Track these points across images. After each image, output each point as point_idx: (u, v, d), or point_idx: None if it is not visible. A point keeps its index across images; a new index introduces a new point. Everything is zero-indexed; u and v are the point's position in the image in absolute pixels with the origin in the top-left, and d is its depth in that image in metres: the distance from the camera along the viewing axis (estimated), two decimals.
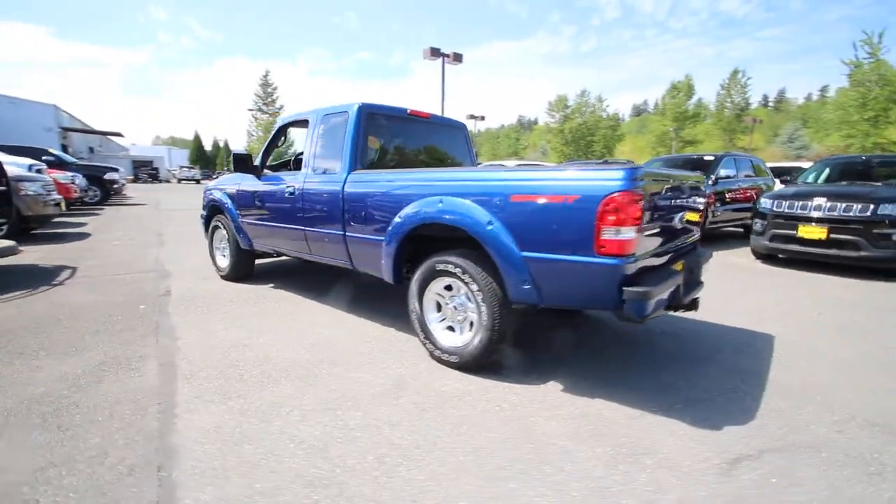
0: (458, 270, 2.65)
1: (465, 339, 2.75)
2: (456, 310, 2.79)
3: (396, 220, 2.92)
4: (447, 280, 2.80)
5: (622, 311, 2.16)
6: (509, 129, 72.56)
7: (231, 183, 4.74)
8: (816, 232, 5.66)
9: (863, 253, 5.35)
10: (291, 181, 3.88)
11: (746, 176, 8.91)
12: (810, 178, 7.20)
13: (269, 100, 53.96)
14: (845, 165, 7.19)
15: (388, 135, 3.70)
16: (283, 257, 5.23)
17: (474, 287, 2.58)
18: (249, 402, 2.39)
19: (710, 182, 7.89)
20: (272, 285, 4.90)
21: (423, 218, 2.74)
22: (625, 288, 2.10)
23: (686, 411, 2.36)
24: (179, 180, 41.65)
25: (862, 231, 5.33)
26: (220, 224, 4.95)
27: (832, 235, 5.55)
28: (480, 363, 2.68)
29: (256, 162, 4.34)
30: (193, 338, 3.31)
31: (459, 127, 4.40)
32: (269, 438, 2.07)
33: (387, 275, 3.12)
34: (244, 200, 4.49)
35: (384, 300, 4.32)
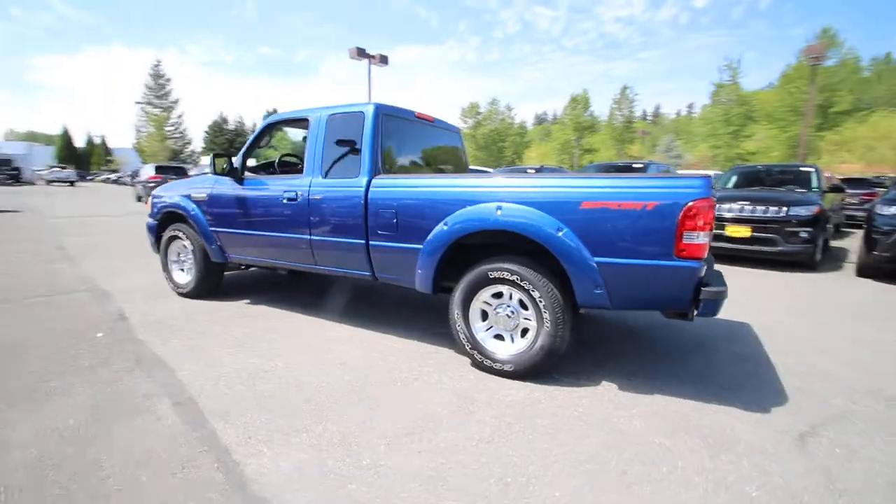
0: (514, 277, 2.62)
1: (519, 346, 2.72)
2: (509, 318, 2.75)
3: (441, 227, 2.80)
4: (498, 288, 2.75)
5: (693, 311, 2.31)
6: None
7: (199, 187, 4.17)
8: (741, 231, 6.54)
9: (779, 248, 6.29)
10: (290, 186, 3.52)
11: None
12: (729, 184, 8.29)
13: (162, 92, 48.38)
14: (750, 173, 8.41)
15: (396, 138, 3.53)
16: (243, 269, 4.76)
17: (536, 294, 2.57)
18: (318, 437, 2.13)
19: None
20: (247, 301, 4.39)
21: (477, 225, 2.66)
22: (703, 288, 2.24)
23: (733, 397, 2.58)
24: (48, 182, 35.45)
25: (778, 229, 6.27)
26: (179, 234, 4.32)
27: (754, 234, 6.45)
28: (540, 370, 2.68)
29: (236, 163, 3.87)
30: (196, 368, 2.85)
31: (455, 131, 4.35)
32: (371, 475, 1.86)
33: (423, 284, 2.97)
34: (220, 207, 3.98)
35: (381, 308, 4.11)
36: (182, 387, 2.60)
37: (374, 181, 3.14)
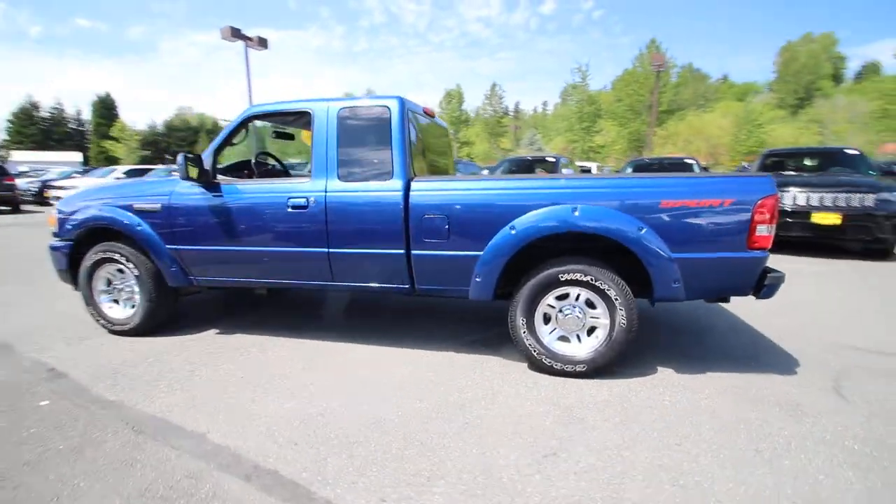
0: (589, 278, 2.61)
1: (591, 345, 2.73)
2: (578, 318, 2.73)
3: (507, 232, 2.64)
4: (564, 289, 2.71)
5: (755, 294, 2.57)
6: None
7: (145, 195, 3.27)
8: (830, 218, 7.27)
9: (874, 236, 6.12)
10: (296, 192, 2.97)
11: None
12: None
13: None
14: (644, 164, 9.66)
15: (412, 134, 3.23)
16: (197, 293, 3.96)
17: (612, 293, 2.60)
18: (457, 480, 1.86)
19: None
20: (216, 330, 3.63)
21: (552, 228, 2.57)
22: (769, 274, 2.51)
23: (764, 368, 2.93)
24: None
25: (870, 217, 5.99)
26: (115, 256, 3.36)
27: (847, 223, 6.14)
28: (610, 367, 2.72)
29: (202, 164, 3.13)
30: (229, 426, 2.27)
31: (445, 126, 4.14)
32: None
33: (481, 292, 2.78)
34: (185, 220, 3.18)
35: (385, 320, 3.76)
36: (234, 454, 2.04)
37: (413, 184, 2.82)
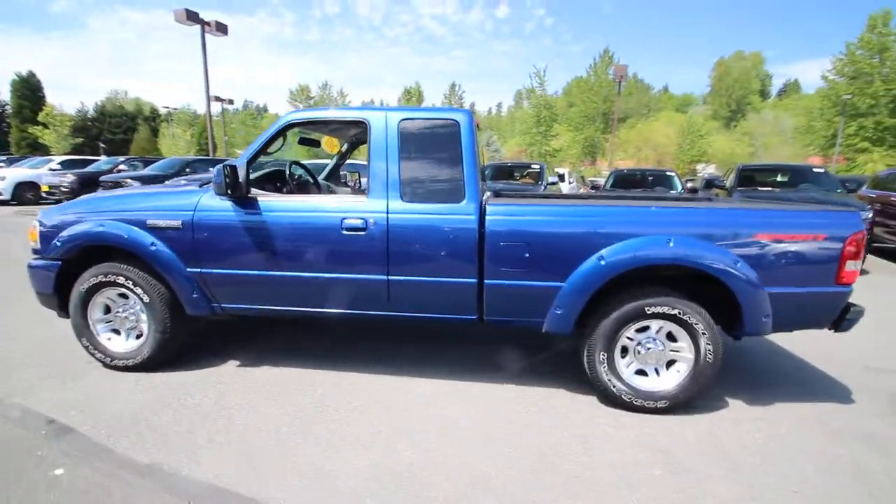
0: (676, 311, 2.51)
1: (673, 380, 2.62)
2: (660, 351, 2.62)
3: (595, 262, 2.47)
4: (645, 322, 2.59)
5: (833, 328, 2.57)
6: (245, 114, 64.90)
7: (163, 209, 2.80)
8: None
9: None
10: (351, 210, 2.64)
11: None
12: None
13: None
14: (624, 175, 9.91)
15: None
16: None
17: (699, 326, 2.51)
18: None
19: (543, 187, 9.45)
20: (236, 363, 3.19)
21: (645, 259, 2.43)
22: (852, 308, 2.51)
23: (821, 396, 2.96)
24: None
25: None
26: (118, 280, 2.86)
27: None
28: (690, 401, 2.64)
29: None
30: (313, 490, 1.94)
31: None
32: None
33: (561, 325, 2.60)
34: (214, 239, 2.75)
35: (420, 348, 3.48)
36: None
37: (489, 208, 2.59)
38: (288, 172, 3.27)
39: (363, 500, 1.91)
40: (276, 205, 2.74)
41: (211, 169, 13.26)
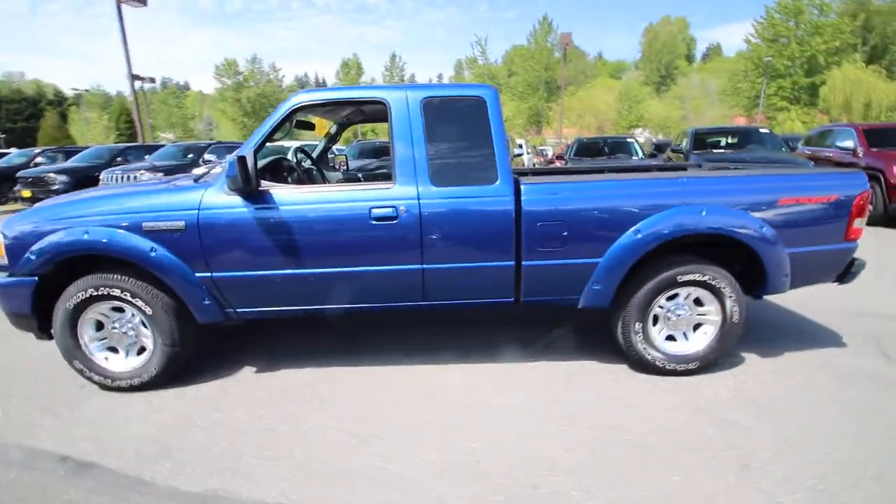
0: (707, 278, 2.61)
1: (702, 342, 2.75)
2: (689, 317, 2.73)
3: (631, 236, 2.50)
4: (675, 290, 2.68)
5: (839, 281, 2.79)
6: (166, 93, 59.30)
7: (160, 209, 2.48)
8: None
9: None
10: (379, 199, 2.48)
11: None
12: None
13: None
14: (586, 144, 10.13)
15: None
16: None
17: (727, 290, 2.62)
18: None
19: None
20: (253, 369, 2.98)
21: (681, 231, 2.48)
22: (856, 261, 2.72)
23: (821, 342, 3.22)
24: None
25: None
26: (112, 292, 2.54)
27: None
28: (716, 361, 2.79)
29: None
30: (390, 496, 1.86)
31: None
32: None
33: (599, 300, 2.63)
34: (222, 238, 2.49)
35: (434, 333, 3.42)
36: None
37: (524, 187, 2.52)
38: (294, 159, 3.00)
39: (443, 496, 1.87)
40: (292, 197, 2.52)
41: (147, 157, 12.14)
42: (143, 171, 10.13)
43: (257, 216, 2.49)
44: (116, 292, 2.55)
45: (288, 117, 2.58)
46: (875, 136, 8.62)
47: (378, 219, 2.48)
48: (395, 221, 2.48)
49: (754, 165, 3.99)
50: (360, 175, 4.06)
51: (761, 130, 9.37)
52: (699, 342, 2.76)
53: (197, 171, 9.80)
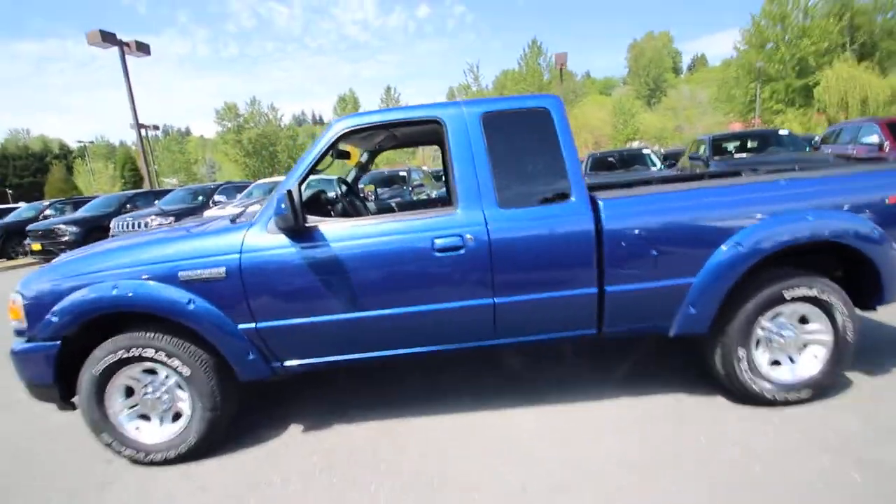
0: (815, 292, 2.29)
1: (812, 366, 2.40)
2: (784, 339, 2.39)
3: (731, 249, 2.19)
4: (779, 308, 2.36)
5: None
6: (168, 140, 60.39)
7: (198, 255, 2.20)
8: None
9: None
10: (441, 227, 2.20)
11: None
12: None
13: None
14: (599, 158, 9.95)
15: None
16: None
17: (838, 304, 2.30)
18: None
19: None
20: (301, 427, 2.63)
21: (788, 241, 2.19)
22: None
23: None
24: None
25: None
26: (145, 353, 2.24)
27: None
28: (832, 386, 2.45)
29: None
30: None
31: None
32: None
33: (696, 324, 2.31)
34: (268, 283, 2.20)
35: (474, 369, 3.09)
36: None
37: (603, 203, 2.24)
38: (338, 192, 2.74)
39: None
40: (342, 232, 2.24)
41: (156, 202, 12.05)
42: (153, 217, 9.99)
43: (307, 255, 2.21)
44: (150, 353, 2.25)
45: (333, 145, 2.33)
46: None
47: (442, 250, 2.19)
48: (461, 252, 2.19)
49: (812, 165, 3.70)
50: (393, 204, 3.81)
51: (780, 132, 9.17)
52: (810, 366, 2.42)
53: (209, 213, 9.73)
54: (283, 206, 2.03)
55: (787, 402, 2.39)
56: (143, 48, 15.36)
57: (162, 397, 2.35)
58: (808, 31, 34.52)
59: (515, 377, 3.00)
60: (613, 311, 2.32)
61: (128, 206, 12.39)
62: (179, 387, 2.34)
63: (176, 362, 2.26)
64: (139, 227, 9.84)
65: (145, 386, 2.36)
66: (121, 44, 14.66)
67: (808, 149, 8.48)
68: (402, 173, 11.14)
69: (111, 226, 10.21)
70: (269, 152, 54.49)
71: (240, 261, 2.20)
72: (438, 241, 2.19)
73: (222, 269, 2.19)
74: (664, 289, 2.28)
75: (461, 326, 2.32)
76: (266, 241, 2.22)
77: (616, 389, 2.73)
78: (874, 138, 8.37)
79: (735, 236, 2.21)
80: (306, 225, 2.23)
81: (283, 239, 2.22)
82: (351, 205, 2.65)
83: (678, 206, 2.27)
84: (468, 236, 2.19)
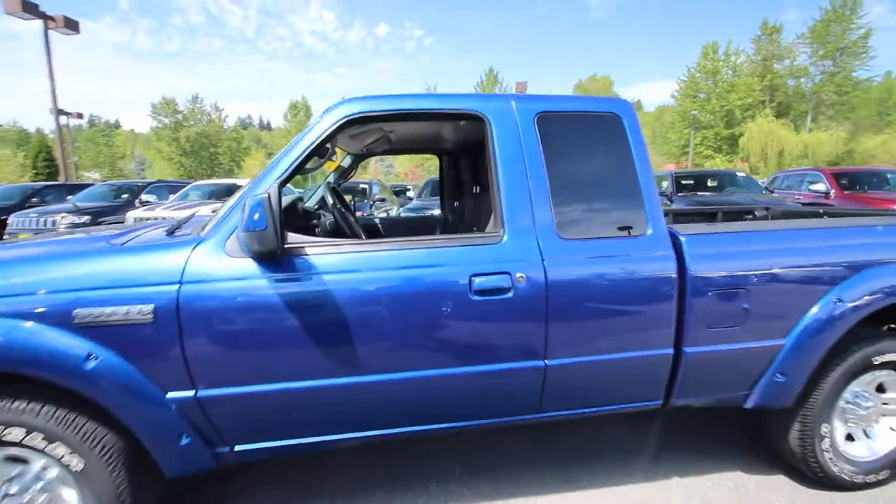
0: None
1: (887, 443, 2.03)
2: (865, 411, 2.00)
3: (831, 305, 1.77)
4: (864, 376, 1.97)
5: None
6: (94, 131, 54.70)
7: (112, 283, 1.42)
8: None
9: None
10: (480, 262, 1.59)
11: None
12: None
13: None
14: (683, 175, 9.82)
15: None
16: None
17: None
18: None
19: None
20: None
21: None
22: None
23: None
24: None
25: None
26: (8, 433, 1.40)
27: None
28: None
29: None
30: None
31: None
32: None
33: (781, 395, 1.85)
34: (222, 330, 1.46)
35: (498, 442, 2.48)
36: None
37: (685, 239, 1.73)
38: (331, 202, 2.02)
39: None
40: (338, 261, 1.56)
41: (69, 197, 10.44)
42: (63, 215, 8.46)
43: (286, 293, 1.49)
44: (16, 434, 1.41)
45: (331, 136, 1.65)
46: (844, 180, 8.99)
47: (482, 292, 1.57)
48: (507, 296, 1.58)
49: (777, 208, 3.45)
50: (377, 222, 3.13)
51: (738, 174, 9.46)
52: (887, 441, 2.04)
53: (133, 215, 8.37)
54: (257, 216, 1.33)
55: (866, 485, 2.00)
56: (71, 25, 13.54)
57: (35, 501, 1.50)
58: (736, 86, 38.16)
59: (533, 451, 2.40)
60: (689, 377, 1.80)
61: (34, 199, 10.59)
62: (66, 483, 1.51)
63: (60, 450, 1.44)
64: (45, 225, 8.31)
65: (7, 482, 1.50)
66: (45, 17, 12.82)
67: (763, 191, 8.79)
68: (362, 186, 10.26)
69: (8, 222, 8.57)
70: (210, 153, 51.15)
71: (178, 295, 1.44)
72: (478, 280, 1.57)
73: (149, 308, 1.42)
74: (752, 351, 1.80)
75: (497, 398, 1.69)
76: (224, 269, 1.49)
77: (656, 469, 2.21)
78: (821, 186, 8.88)
79: (836, 290, 1.79)
80: (286, 246, 1.53)
81: (249, 266, 1.50)
82: (344, 221, 1.95)
83: (786, 248, 1.81)
84: (518, 275, 1.59)
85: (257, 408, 1.54)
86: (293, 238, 1.57)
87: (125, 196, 9.97)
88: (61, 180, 14.70)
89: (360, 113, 1.66)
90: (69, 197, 10.20)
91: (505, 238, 1.63)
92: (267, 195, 1.34)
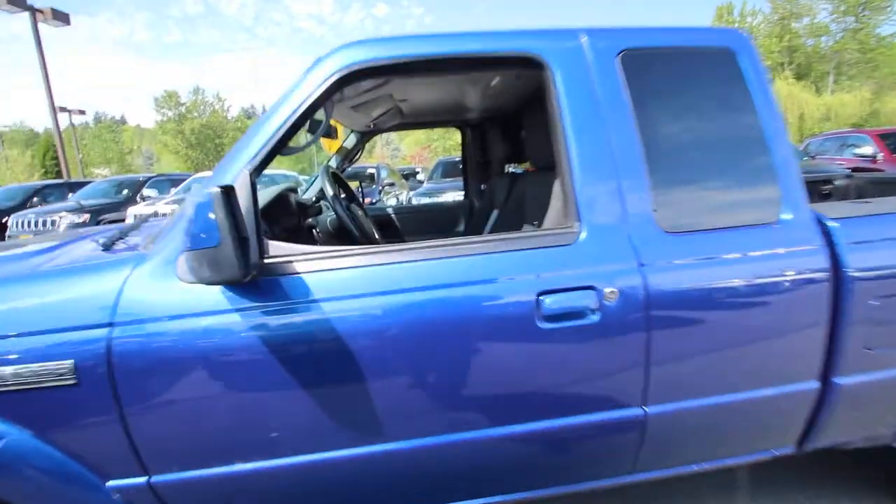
0: None
1: None
2: None
3: None
4: None
5: None
6: (100, 128, 54.48)
7: (13, 323, 0.96)
8: None
9: None
10: (549, 269, 1.09)
11: None
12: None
13: None
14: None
15: None
16: None
17: None
18: None
19: None
20: None
21: None
22: None
23: None
24: None
25: None
26: None
27: None
28: None
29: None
30: None
31: None
32: None
33: None
34: (181, 391, 1.00)
35: None
36: None
37: (835, 225, 1.21)
38: (332, 192, 1.49)
39: None
40: (343, 282, 1.06)
41: (71, 195, 10.15)
42: (63, 213, 8.13)
43: (266, 333, 1.01)
44: None
45: (327, 95, 1.14)
46: (892, 141, 8.21)
47: (555, 317, 1.07)
48: (593, 320, 1.08)
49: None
50: (389, 211, 2.62)
51: None
52: None
53: (134, 210, 7.98)
54: (204, 229, 0.84)
55: None
56: (60, 17, 12.99)
57: None
58: None
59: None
60: (835, 416, 1.29)
61: (35, 198, 10.29)
62: None
63: None
64: (45, 225, 8.00)
65: None
66: (32, 10, 12.30)
67: (805, 157, 8.08)
68: (370, 170, 9.68)
69: (8, 224, 8.26)
70: (215, 144, 50.95)
71: (109, 344, 0.97)
72: (549, 301, 1.07)
73: (67, 365, 0.95)
74: None
75: (573, 463, 1.21)
76: (175, 300, 1.01)
77: None
78: (867, 149, 8.13)
79: None
80: (266, 261, 1.04)
81: (212, 294, 1.02)
82: (351, 218, 1.43)
83: None
84: (608, 290, 1.08)
85: (238, 493, 1.08)
86: (277, 249, 1.08)
87: (126, 192, 9.60)
88: (65, 179, 14.42)
89: (365, 63, 1.13)
90: (70, 195, 9.89)
91: (583, 235, 1.12)
92: (220, 191, 0.84)
